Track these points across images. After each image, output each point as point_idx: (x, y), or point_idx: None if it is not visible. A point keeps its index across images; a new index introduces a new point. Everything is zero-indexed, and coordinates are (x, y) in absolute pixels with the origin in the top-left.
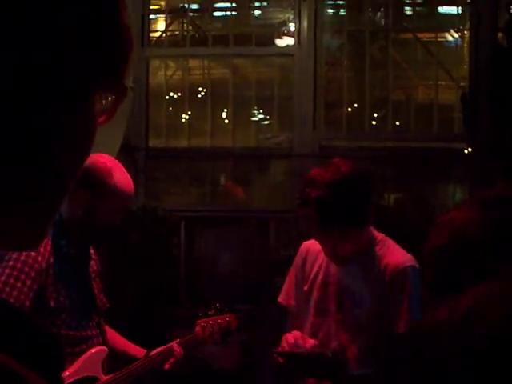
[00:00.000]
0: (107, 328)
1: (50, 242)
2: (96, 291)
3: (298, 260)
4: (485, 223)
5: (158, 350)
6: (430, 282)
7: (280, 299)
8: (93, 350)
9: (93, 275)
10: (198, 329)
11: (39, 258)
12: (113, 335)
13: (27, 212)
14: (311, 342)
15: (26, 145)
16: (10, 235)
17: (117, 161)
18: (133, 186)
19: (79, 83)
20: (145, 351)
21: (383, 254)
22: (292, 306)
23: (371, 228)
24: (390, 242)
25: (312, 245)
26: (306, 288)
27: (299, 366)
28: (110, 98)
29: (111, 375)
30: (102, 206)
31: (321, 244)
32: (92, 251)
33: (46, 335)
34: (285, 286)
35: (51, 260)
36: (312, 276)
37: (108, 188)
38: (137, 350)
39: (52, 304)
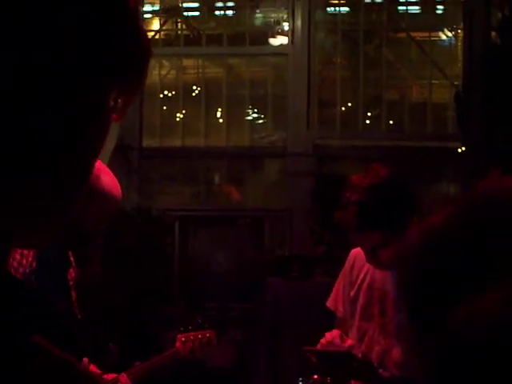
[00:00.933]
0: None
1: None
2: (75, 301)
3: (346, 266)
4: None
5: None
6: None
7: (328, 304)
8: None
9: (71, 283)
10: (178, 344)
11: (24, 262)
12: None
13: (28, 211)
14: (350, 342)
15: (26, 144)
16: (12, 234)
17: (104, 165)
18: (120, 190)
19: (80, 83)
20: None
21: None
22: (340, 312)
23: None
24: None
25: (360, 251)
26: (352, 293)
27: (329, 364)
28: (120, 99)
29: None
30: (89, 209)
31: (362, 249)
32: (72, 259)
33: (68, 323)
34: (333, 292)
35: (34, 265)
36: (359, 281)
37: (96, 192)
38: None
39: None
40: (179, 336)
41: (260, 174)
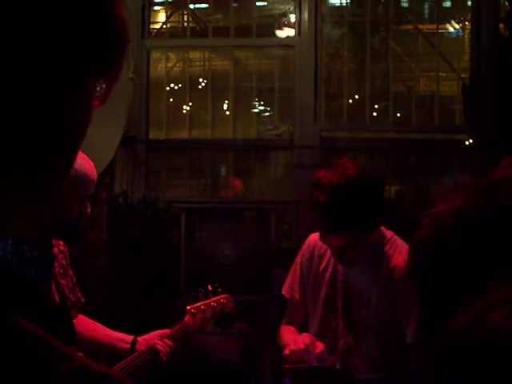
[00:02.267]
0: (85, 321)
1: (9, 249)
2: (66, 289)
3: (304, 252)
4: (470, 210)
5: (145, 342)
6: (419, 279)
7: (283, 291)
8: None
9: (61, 271)
10: (187, 317)
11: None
12: (92, 327)
13: (25, 198)
14: (320, 346)
15: (21, 132)
16: (8, 221)
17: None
18: (95, 171)
19: (68, 70)
20: (131, 338)
21: (392, 254)
22: (296, 300)
23: (381, 227)
24: (399, 241)
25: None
26: (312, 282)
27: (308, 380)
28: (103, 84)
29: None
30: (65, 195)
31: (329, 247)
32: (61, 243)
33: (58, 307)
34: (289, 278)
35: (14, 267)
36: (320, 271)
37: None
38: (121, 340)
39: None
40: (188, 308)
41: (267, 167)
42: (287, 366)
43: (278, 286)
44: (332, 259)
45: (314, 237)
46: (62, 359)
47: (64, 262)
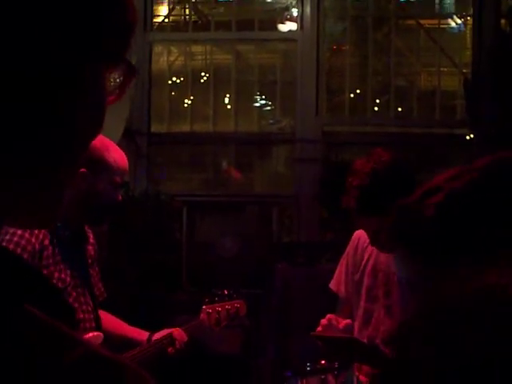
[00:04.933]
0: (106, 314)
1: None
2: (93, 278)
3: (349, 249)
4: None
5: (160, 335)
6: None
7: (331, 285)
8: (88, 335)
9: (89, 261)
10: (203, 315)
11: (33, 240)
12: (112, 321)
13: (39, 188)
14: (344, 322)
15: (36, 121)
16: (22, 213)
17: (107, 139)
18: (127, 161)
19: (77, 59)
20: (147, 334)
21: None
22: (342, 293)
23: None
24: None
25: (363, 234)
26: (357, 276)
27: (334, 349)
28: (118, 79)
29: None
30: (101, 182)
31: (365, 232)
32: (91, 236)
33: (58, 291)
34: (336, 274)
35: (46, 242)
36: (363, 264)
37: (106, 163)
38: (139, 334)
39: None
40: (204, 307)
41: (268, 161)
42: (313, 333)
43: (278, 279)
44: (374, 252)
45: (358, 233)
46: (71, 345)
47: (93, 254)
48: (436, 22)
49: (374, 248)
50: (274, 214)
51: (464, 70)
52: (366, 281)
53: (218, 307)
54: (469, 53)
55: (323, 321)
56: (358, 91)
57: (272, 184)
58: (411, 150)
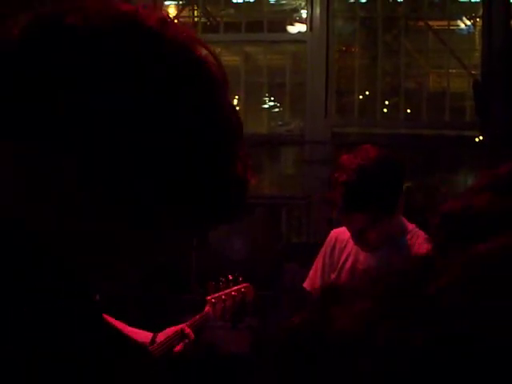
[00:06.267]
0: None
1: None
2: None
3: (326, 247)
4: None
5: (165, 335)
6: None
7: (305, 285)
8: None
9: None
10: (207, 307)
11: None
12: (115, 323)
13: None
14: None
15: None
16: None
17: None
18: None
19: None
20: (150, 335)
21: (413, 244)
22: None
23: (402, 218)
24: (421, 233)
25: (341, 233)
26: (333, 276)
27: None
28: None
29: None
30: None
31: (348, 229)
32: None
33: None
34: (311, 273)
35: None
36: (340, 263)
37: None
38: (141, 335)
39: None
40: (208, 298)
41: (277, 162)
42: None
43: (288, 280)
44: (353, 251)
45: (336, 231)
46: (99, 325)
47: None
48: (445, 23)
49: (353, 247)
50: (283, 215)
51: (473, 72)
52: (342, 279)
53: (223, 295)
54: (478, 54)
55: None
56: (367, 93)
57: (281, 185)
58: (420, 152)
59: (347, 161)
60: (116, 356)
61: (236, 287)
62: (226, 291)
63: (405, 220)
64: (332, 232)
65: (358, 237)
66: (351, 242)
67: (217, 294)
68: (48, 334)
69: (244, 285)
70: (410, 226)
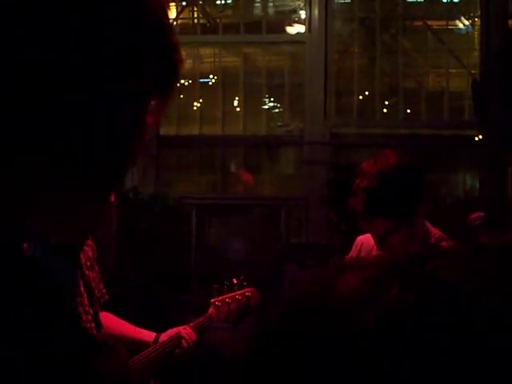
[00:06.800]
0: (112, 317)
1: None
2: (92, 281)
3: (352, 253)
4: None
5: (168, 335)
6: None
7: None
8: None
9: (88, 263)
10: (211, 310)
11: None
12: (118, 323)
13: (89, 201)
14: None
15: (95, 146)
16: (69, 224)
17: None
18: None
19: (134, 94)
20: (154, 335)
21: None
22: None
23: (426, 223)
24: (445, 237)
25: (366, 239)
26: None
27: None
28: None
29: None
30: None
31: (371, 235)
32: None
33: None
34: None
35: (37, 254)
36: None
37: None
38: (145, 335)
39: None
40: (213, 300)
41: (277, 163)
42: None
43: (287, 281)
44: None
45: (361, 238)
46: (73, 326)
47: (91, 255)
48: (444, 23)
49: (377, 253)
50: (283, 216)
51: (473, 71)
52: None
53: (228, 298)
54: (476, 54)
55: None
56: (366, 93)
57: (280, 186)
58: (419, 152)
59: (367, 167)
60: (89, 355)
61: (241, 291)
62: (231, 294)
63: (429, 225)
64: (358, 238)
65: (381, 242)
66: (376, 249)
67: (221, 297)
68: (22, 334)
69: (249, 289)
70: (434, 231)
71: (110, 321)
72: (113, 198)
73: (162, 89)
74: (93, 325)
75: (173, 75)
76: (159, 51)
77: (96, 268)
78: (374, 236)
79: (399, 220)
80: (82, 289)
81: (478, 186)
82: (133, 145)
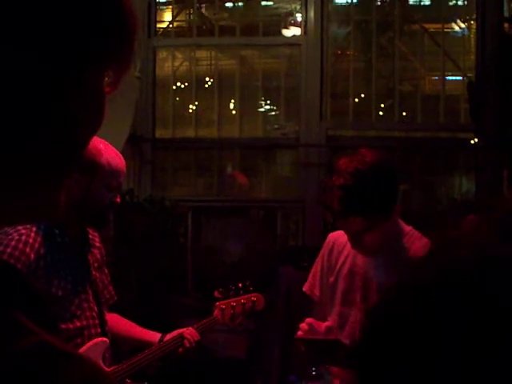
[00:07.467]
0: (118, 317)
1: (40, 233)
2: (99, 282)
3: (324, 251)
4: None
5: (172, 335)
6: None
7: (305, 289)
8: (91, 343)
9: (96, 265)
10: (216, 312)
11: (27, 250)
12: (124, 323)
13: (39, 181)
14: (325, 325)
15: (37, 121)
16: (23, 208)
17: (104, 140)
18: (124, 162)
19: (78, 60)
20: (159, 335)
21: (410, 246)
22: (316, 296)
23: (399, 220)
24: (418, 234)
25: (339, 236)
26: (331, 279)
27: (318, 352)
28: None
29: (113, 367)
30: (96, 186)
31: (346, 233)
32: (97, 240)
33: (41, 295)
34: (310, 276)
35: (42, 251)
36: (338, 266)
37: (99, 167)
38: (150, 335)
39: None
40: (218, 303)
41: (273, 165)
42: (297, 336)
43: (283, 283)
44: (350, 254)
45: (333, 235)
46: (24, 333)
47: (99, 257)
48: (440, 26)
49: (350, 251)
50: (279, 218)
51: (468, 74)
52: (341, 284)
53: (233, 302)
54: (473, 57)
55: (303, 325)
56: (362, 95)
57: (277, 188)
58: (415, 155)
59: (344, 165)
60: (38, 368)
61: (246, 295)
62: (236, 298)
63: (402, 222)
64: (329, 235)
65: (355, 240)
66: (349, 246)
67: (226, 301)
68: None
69: (254, 294)
70: (407, 229)
71: (118, 322)
72: (118, 199)
73: (116, 55)
74: (97, 321)
75: (127, 39)
76: (110, 12)
77: (105, 270)
78: (348, 234)
79: (375, 218)
80: (88, 286)
81: (473, 188)
82: (84, 123)
